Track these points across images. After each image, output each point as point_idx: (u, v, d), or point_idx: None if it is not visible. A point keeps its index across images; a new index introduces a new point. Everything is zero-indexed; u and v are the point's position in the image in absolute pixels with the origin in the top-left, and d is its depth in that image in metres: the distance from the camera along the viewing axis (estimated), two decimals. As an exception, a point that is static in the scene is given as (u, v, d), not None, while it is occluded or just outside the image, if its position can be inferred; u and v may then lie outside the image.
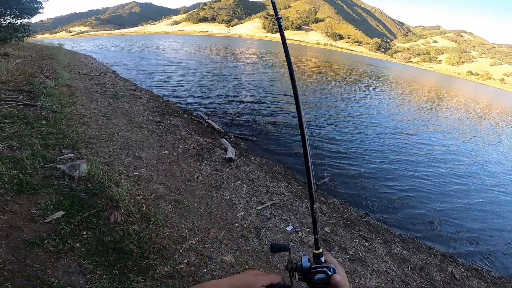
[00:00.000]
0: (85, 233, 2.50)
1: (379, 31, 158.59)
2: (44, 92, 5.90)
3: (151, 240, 2.59)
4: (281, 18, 0.92)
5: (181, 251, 2.62)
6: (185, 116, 7.83)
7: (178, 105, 9.13)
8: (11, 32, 8.01)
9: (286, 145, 7.43)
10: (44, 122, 4.56)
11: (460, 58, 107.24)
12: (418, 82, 37.77)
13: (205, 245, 2.81)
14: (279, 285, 0.69)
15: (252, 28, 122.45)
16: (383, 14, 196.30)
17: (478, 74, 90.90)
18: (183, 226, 3.01)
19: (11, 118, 4.42)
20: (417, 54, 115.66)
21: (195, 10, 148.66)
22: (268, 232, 3.36)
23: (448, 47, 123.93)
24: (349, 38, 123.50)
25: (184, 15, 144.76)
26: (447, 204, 6.04)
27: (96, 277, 2.12)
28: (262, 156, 6.25)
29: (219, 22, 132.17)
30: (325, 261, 0.68)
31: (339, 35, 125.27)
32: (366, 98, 16.37)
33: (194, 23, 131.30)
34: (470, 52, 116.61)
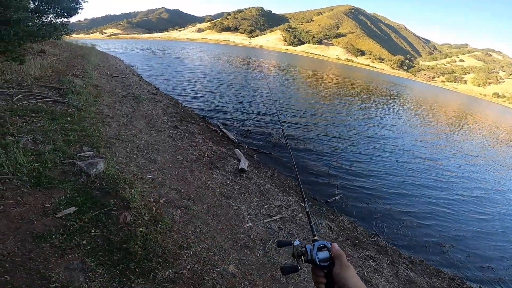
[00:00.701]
0: (93, 231, 2.53)
1: (403, 48, 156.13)
2: (73, 90, 6.20)
3: (157, 243, 2.59)
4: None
5: (185, 256, 2.61)
6: (202, 123, 7.95)
7: (196, 112, 9.32)
8: (51, 31, 8.54)
9: (299, 160, 7.38)
10: (69, 118, 4.76)
11: (487, 78, 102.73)
12: (441, 103, 36.47)
13: (210, 253, 2.80)
14: (288, 266, 0.79)
15: (273, 40, 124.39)
16: (408, 31, 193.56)
17: (505, 97, 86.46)
18: (190, 232, 3.01)
19: (39, 113, 4.65)
20: (442, 73, 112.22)
21: (219, 19, 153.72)
22: (274, 246, 3.32)
23: (475, 66, 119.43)
24: (371, 54, 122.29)
25: (208, 23, 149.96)
26: (461, 229, 5.92)
27: (97, 275, 2.12)
28: (275, 169, 6.23)
29: (241, 32, 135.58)
30: None
31: (360, 50, 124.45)
32: (386, 118, 15.99)
33: (217, 31, 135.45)
34: (498, 72, 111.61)
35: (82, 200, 2.86)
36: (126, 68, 13.98)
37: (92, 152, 3.94)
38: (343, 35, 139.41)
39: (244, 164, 5.43)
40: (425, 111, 25.05)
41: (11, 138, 3.64)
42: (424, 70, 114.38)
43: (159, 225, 2.86)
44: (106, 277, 2.13)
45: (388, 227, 5.25)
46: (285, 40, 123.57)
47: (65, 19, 10.86)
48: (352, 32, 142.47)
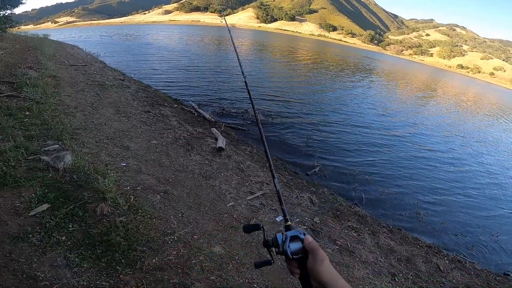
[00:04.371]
0: (71, 226, 2.47)
1: (373, 23, 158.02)
2: (28, 82, 5.70)
3: (139, 232, 2.57)
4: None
5: (169, 242, 2.60)
6: (176, 106, 7.71)
7: (169, 95, 8.98)
8: None
9: (277, 135, 7.42)
10: (27, 113, 4.43)
11: (452, 51, 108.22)
12: (410, 74, 38.03)
13: (194, 236, 2.79)
14: (262, 261, 0.74)
15: (245, 18, 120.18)
16: (377, 6, 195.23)
17: (468, 68, 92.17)
18: (172, 217, 2.99)
19: (-7, 109, 4.27)
20: (409, 47, 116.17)
21: (187, 0, 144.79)
22: (252, 222, 3.32)
23: (440, 40, 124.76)
24: (343, 29, 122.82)
25: (175, 5, 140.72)
26: (434, 195, 6.10)
27: (83, 270, 2.10)
28: (253, 145, 6.22)
29: (211, 12, 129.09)
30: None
31: (333, 26, 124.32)
32: (358, 90, 16.41)
33: (186, 12, 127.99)
34: (462, 46, 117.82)
35: (54, 195, 2.75)
36: (86, 56, 12.94)
37: (57, 145, 3.74)
38: (315, 11, 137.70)
39: (222, 142, 5.38)
40: (397, 81, 26.02)
41: (-36, 138, 3.35)
42: (393, 44, 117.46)
43: (139, 213, 2.83)
44: (93, 271, 2.12)
45: (366, 196, 5.34)
46: (257, 18, 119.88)
47: (9, 11, 9.76)
48: (324, 8, 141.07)
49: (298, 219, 3.73)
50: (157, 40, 27.94)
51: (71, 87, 6.64)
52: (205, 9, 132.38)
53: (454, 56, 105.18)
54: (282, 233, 0.72)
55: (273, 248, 0.71)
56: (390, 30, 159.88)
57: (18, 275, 1.96)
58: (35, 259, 2.10)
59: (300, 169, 5.87)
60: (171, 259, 2.41)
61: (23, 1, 10.15)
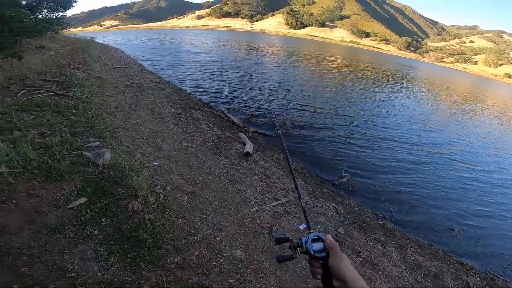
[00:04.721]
0: (104, 220, 2.59)
1: (410, 30, 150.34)
2: (76, 82, 6.20)
3: (165, 230, 2.63)
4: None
5: (192, 242, 2.64)
6: (206, 109, 7.93)
7: (200, 98, 9.26)
8: (47, 25, 8.47)
9: (305, 143, 7.30)
10: (74, 111, 4.79)
11: (498, 59, 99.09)
12: (452, 83, 35.21)
13: (217, 238, 2.82)
14: (284, 255, 0.82)
15: (274, 24, 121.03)
16: (414, 12, 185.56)
17: None
18: (197, 218, 3.04)
19: (44, 107, 4.69)
20: (451, 54, 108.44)
21: (218, 5, 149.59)
22: (280, 229, 3.31)
23: (485, 47, 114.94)
24: (376, 35, 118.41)
25: (207, 10, 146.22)
26: (474, 216, 5.69)
27: (110, 264, 2.17)
28: (280, 152, 6.19)
29: (242, 17, 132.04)
30: None
31: (365, 32, 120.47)
32: (394, 100, 15.57)
33: (217, 17, 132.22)
34: (510, 53, 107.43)
35: (92, 190, 2.90)
36: (127, 59, 13.87)
37: (98, 143, 3.98)
38: (346, 17, 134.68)
39: (249, 147, 5.40)
40: (438, 91, 24.21)
41: (18, 133, 3.68)
42: (432, 51, 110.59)
43: (167, 212, 2.90)
44: (118, 266, 2.19)
45: (396, 210, 5.15)
46: (287, 24, 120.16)
47: (61, 13, 10.75)
48: (356, 14, 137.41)
49: (321, 228, 3.69)
50: (191, 44, 29.18)
51: (113, 88, 7.12)
52: (235, 14, 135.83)
53: (501, 64, 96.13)
54: (305, 237, 0.80)
55: (298, 249, 0.79)
56: (429, 37, 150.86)
57: (49, 266, 2.07)
58: (67, 251, 2.20)
59: (326, 178, 5.74)
60: (192, 259, 2.45)
61: (73, 4, 11.09)
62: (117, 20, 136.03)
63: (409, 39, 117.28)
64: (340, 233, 3.75)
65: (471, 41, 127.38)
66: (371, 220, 4.45)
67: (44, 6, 9.47)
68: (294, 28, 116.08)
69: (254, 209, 3.57)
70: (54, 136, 3.78)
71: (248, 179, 4.34)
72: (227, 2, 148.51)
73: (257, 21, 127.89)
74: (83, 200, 2.78)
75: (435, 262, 3.79)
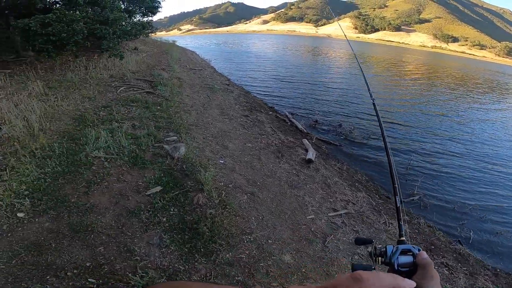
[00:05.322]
0: (172, 210, 2.83)
1: (510, 33, 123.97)
2: (161, 82, 7.06)
3: (223, 226, 2.74)
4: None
5: (245, 242, 2.70)
6: (271, 113, 8.05)
7: (265, 102, 9.47)
8: (140, 29, 9.85)
9: (372, 154, 6.69)
10: (159, 107, 5.45)
11: None
12: None
13: (269, 241, 2.83)
14: (361, 265, 0.69)
15: (342, 28, 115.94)
16: None
17: None
18: (253, 218, 3.09)
19: (136, 102, 5.47)
20: None
21: (282, 10, 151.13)
22: (335, 241, 3.14)
23: None
24: (466, 40, 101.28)
25: (272, 15, 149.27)
26: None
27: (169, 251, 2.35)
28: (343, 162, 5.84)
29: (306, 22, 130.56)
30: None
31: (452, 37, 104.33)
32: (490, 112, 12.94)
33: (282, 22, 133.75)
34: None
35: (167, 180, 3.22)
36: (201, 61, 15.21)
37: (176, 137, 4.42)
38: (427, 21, 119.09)
39: (311, 154, 5.25)
40: None
41: (116, 124, 4.37)
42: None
43: (227, 209, 3.03)
44: (176, 254, 2.34)
45: (476, 236, 4.45)
46: (355, 28, 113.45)
47: (150, 18, 12.42)
48: (439, 17, 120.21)
49: (381, 245, 3.24)
50: (257, 48, 30.28)
51: (190, 88, 7.87)
52: (300, 19, 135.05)
53: None
54: (393, 246, 0.69)
55: (379, 258, 0.69)
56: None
57: (120, 247, 2.31)
58: (138, 235, 2.45)
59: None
60: (242, 257, 2.50)
61: (160, 10, 12.64)
62: (193, 24, 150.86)
63: (510, 45, 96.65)
64: None
65: None
66: (442, 243, 3.95)
67: (138, 11, 11.06)
68: (364, 32, 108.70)
69: (310, 216, 3.48)
70: (142, 129, 4.36)
71: (307, 186, 4.24)
72: (291, 7, 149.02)
73: (322, 25, 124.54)
74: (158, 188, 3.11)
75: None
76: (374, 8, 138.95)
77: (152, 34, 14.57)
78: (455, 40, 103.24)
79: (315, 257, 2.82)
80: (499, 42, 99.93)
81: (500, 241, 4.42)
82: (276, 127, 6.71)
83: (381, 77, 19.77)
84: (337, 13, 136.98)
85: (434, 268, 0.61)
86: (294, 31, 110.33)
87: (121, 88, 6.25)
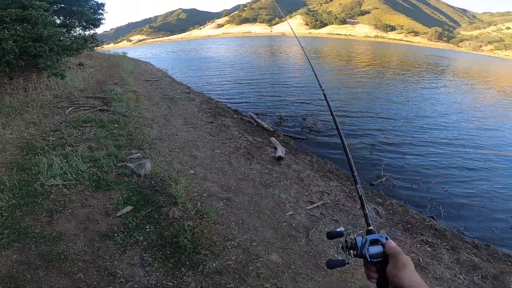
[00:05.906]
0: (148, 227, 2.73)
1: (438, 20, 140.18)
2: (115, 98, 6.64)
3: (204, 236, 2.70)
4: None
5: (229, 248, 2.69)
6: (235, 116, 8.06)
7: (228, 106, 9.44)
8: (82, 43, 9.16)
9: (337, 143, 7.03)
10: (116, 125, 5.12)
11: None
12: (503, 72, 31.76)
13: (253, 243, 2.83)
14: (335, 260, 0.74)
15: (294, 26, 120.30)
16: (439, 1, 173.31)
17: None
18: (233, 223, 3.08)
19: (90, 122, 5.08)
20: (489, 42, 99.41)
21: (236, 12, 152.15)
22: (318, 233, 3.24)
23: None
24: (402, 28, 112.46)
25: (226, 18, 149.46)
26: None
27: (154, 269, 2.28)
28: (313, 154, 6.05)
29: (260, 22, 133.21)
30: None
31: (390, 26, 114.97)
32: (432, 92, 14.32)
33: (237, 24, 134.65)
34: None
35: (137, 199, 3.08)
36: (157, 72, 14.63)
37: (139, 154, 4.20)
38: (367, 12, 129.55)
39: (281, 151, 5.37)
40: (484, 81, 21.53)
41: (69, 148, 4.02)
42: (467, 40, 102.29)
43: (204, 218, 2.98)
44: (161, 271, 2.28)
45: (446, 210, 4.76)
46: (306, 24, 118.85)
47: (92, 31, 11.63)
48: (377, 8, 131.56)
49: (361, 231, 3.52)
50: (215, 53, 29.96)
51: (148, 101, 7.53)
52: (254, 20, 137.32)
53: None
54: (363, 237, 0.71)
55: (351, 251, 0.70)
56: (460, 26, 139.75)
57: (101, 271, 2.21)
58: (117, 257, 2.34)
59: (364, 178, 5.45)
60: (230, 264, 2.49)
61: (102, 22, 11.93)
62: (143, 34, 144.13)
63: (440, 29, 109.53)
64: (382, 235, 3.52)
65: (508, 28, 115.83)
66: (417, 221, 4.20)
67: (77, 24, 10.27)
68: (315, 27, 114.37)
69: (289, 213, 3.55)
70: (101, 150, 4.07)
71: (282, 183, 4.33)
72: (244, 9, 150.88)
73: (275, 24, 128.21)
74: (129, 208, 2.97)
75: (494, 264, 3.52)
76: (321, 3, 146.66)
77: (98, 47, 13.69)
78: (392, 29, 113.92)
79: (302, 252, 2.88)
80: (429, 28, 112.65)
81: (468, 212, 4.78)
82: (243, 130, 6.74)
83: (336, 70, 20.97)
84: (288, 11, 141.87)
85: (406, 254, 0.62)
86: (250, 32, 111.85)
87: (69, 109, 5.74)
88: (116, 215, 2.83)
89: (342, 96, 11.96)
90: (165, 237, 2.61)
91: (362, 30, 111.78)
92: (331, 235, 0.83)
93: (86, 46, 9.68)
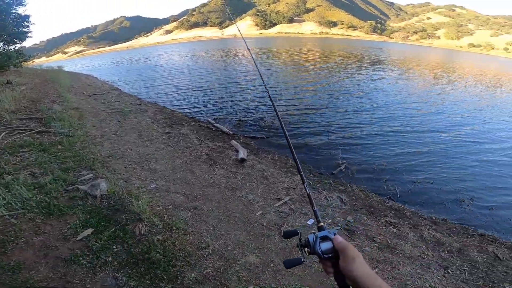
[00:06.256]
0: (115, 247, 2.62)
1: (372, 14, 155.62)
2: (54, 117, 6.04)
3: (176, 248, 2.66)
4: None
5: (205, 256, 2.68)
6: (193, 123, 7.90)
7: (185, 113, 9.21)
8: (6, 59, 8.16)
9: (295, 136, 7.38)
10: (59, 147, 4.68)
11: (458, 32, 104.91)
12: (424, 58, 36.54)
13: (228, 248, 2.85)
14: (290, 260, 0.76)
15: (244, 27, 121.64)
16: None
17: (480, 46, 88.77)
18: (204, 231, 3.07)
19: (28, 147, 4.56)
20: (414, 32, 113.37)
21: (184, 17, 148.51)
22: (289, 228, 3.32)
23: (443, 22, 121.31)
24: (343, 23, 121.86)
25: (175, 23, 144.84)
26: (474, 179, 5.69)
27: None
28: (274, 152, 6.21)
29: (211, 26, 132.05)
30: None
31: (332, 22, 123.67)
32: (373, 81, 15.87)
33: (187, 29, 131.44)
34: (467, 25, 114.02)
35: (96, 220, 2.93)
36: (102, 85, 13.59)
37: (91, 174, 3.94)
38: (312, 10, 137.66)
39: (243, 153, 5.43)
40: (415, 68, 24.61)
41: (9, 176, 3.60)
42: (397, 31, 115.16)
43: (174, 230, 2.93)
44: None
45: (401, 189, 5.06)
46: (257, 25, 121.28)
47: (18, 45, 10.37)
48: (320, 5, 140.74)
49: (330, 220, 3.69)
50: (165, 61, 28.77)
51: (94, 117, 6.98)
52: (204, 24, 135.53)
53: (462, 36, 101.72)
54: (314, 234, 0.74)
55: (306, 249, 0.73)
56: (390, 18, 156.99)
57: None
58: (88, 280, 2.23)
59: (324, 168, 5.74)
60: (208, 272, 2.48)
61: (29, 35, 10.75)
62: (81, 45, 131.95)
63: (373, 23, 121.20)
64: (349, 221, 3.72)
65: (429, 18, 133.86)
66: (378, 203, 4.42)
67: None
68: (265, 28, 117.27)
69: (259, 213, 3.61)
70: (45, 175, 3.71)
71: (247, 185, 4.39)
72: (193, 13, 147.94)
73: (226, 27, 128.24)
74: (90, 231, 2.81)
75: (455, 237, 3.71)
76: (269, 4, 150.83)
77: (27, 62, 12.22)
78: (334, 24, 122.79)
79: (277, 249, 2.94)
80: (365, 22, 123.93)
81: (419, 190, 5.16)
82: (202, 136, 6.67)
83: (291, 68, 21.80)
84: (238, 13, 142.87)
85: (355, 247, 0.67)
86: (200, 36, 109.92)
87: (1, 134, 5.08)
88: (77, 239, 2.66)
89: (296, 94, 12.52)
90: (136, 254, 2.52)
91: (308, 27, 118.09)
92: (287, 235, 0.83)
93: (12, 62, 8.62)
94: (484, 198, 5.08)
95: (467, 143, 7.73)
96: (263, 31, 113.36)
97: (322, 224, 0.79)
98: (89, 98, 9.32)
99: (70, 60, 48.93)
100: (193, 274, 2.40)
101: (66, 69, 17.45)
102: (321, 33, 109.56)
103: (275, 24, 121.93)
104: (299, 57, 28.93)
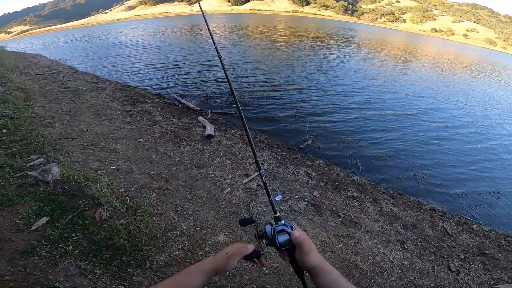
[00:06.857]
0: (74, 235, 2.48)
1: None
2: (-5, 99, 5.38)
3: (141, 231, 2.57)
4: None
5: (173, 238, 2.61)
6: (157, 100, 7.50)
7: (149, 91, 8.71)
8: None
9: (264, 112, 7.40)
10: (4, 131, 4.22)
11: (423, 16, 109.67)
12: (389, 40, 37.96)
13: (197, 228, 2.80)
14: (254, 252, 0.76)
15: (216, 3, 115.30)
16: None
17: (442, 31, 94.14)
18: (171, 212, 2.98)
19: (-35, 132, 4.05)
20: (383, 15, 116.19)
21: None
22: (258, 205, 3.32)
23: (410, 6, 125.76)
24: (316, 2, 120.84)
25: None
26: (429, 157, 6.09)
27: (98, 276, 2.13)
28: (242, 127, 6.17)
29: (179, 1, 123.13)
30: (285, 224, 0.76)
31: (306, 0, 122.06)
32: (341, 60, 16.24)
33: (152, 5, 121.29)
34: (432, 10, 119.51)
35: (50, 208, 2.73)
36: (52, 63, 12.20)
37: (42, 159, 3.63)
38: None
39: (210, 129, 5.33)
40: (377, 48, 25.63)
41: None
42: (367, 13, 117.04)
43: (138, 213, 2.82)
44: (107, 276, 2.14)
45: (363, 164, 5.27)
46: (228, 1, 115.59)
47: None
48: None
49: (297, 195, 3.71)
50: (128, 38, 26.44)
51: (43, 97, 6.31)
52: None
53: (426, 21, 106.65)
54: (271, 226, 0.76)
55: (263, 240, 0.76)
56: (362, 0, 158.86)
57: None
58: (49, 271, 2.12)
59: (292, 143, 5.83)
60: (178, 254, 2.44)
61: None
62: (27, 24, 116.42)
63: (345, 4, 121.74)
64: (316, 196, 3.77)
65: (398, 1, 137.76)
66: (342, 177, 4.53)
67: None
68: (237, 4, 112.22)
69: (227, 190, 3.56)
70: (-12, 163, 3.34)
71: (215, 162, 4.31)
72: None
73: (195, 2, 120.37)
74: (45, 219, 2.61)
75: (409, 212, 3.86)
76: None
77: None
78: (308, 3, 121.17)
79: (246, 227, 2.97)
80: (338, 2, 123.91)
81: (379, 165, 5.44)
82: (168, 113, 6.39)
83: (262, 45, 21.33)
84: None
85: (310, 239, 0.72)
86: (167, 12, 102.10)
87: None
88: (31, 229, 2.46)
89: (268, 70, 12.46)
90: (98, 241, 2.40)
91: (281, 5, 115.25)
92: (244, 223, 0.84)
93: None
94: (436, 175, 5.46)
95: (425, 122, 8.26)
96: (235, 7, 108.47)
97: (278, 214, 0.81)
98: (37, 78, 8.35)
99: (14, 40, 43.09)
100: (161, 258, 2.34)
101: (10, 49, 15.37)
102: (293, 11, 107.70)
103: (248, 1, 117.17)
104: (271, 35, 28.36)
